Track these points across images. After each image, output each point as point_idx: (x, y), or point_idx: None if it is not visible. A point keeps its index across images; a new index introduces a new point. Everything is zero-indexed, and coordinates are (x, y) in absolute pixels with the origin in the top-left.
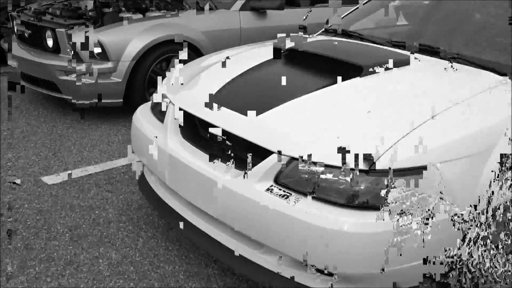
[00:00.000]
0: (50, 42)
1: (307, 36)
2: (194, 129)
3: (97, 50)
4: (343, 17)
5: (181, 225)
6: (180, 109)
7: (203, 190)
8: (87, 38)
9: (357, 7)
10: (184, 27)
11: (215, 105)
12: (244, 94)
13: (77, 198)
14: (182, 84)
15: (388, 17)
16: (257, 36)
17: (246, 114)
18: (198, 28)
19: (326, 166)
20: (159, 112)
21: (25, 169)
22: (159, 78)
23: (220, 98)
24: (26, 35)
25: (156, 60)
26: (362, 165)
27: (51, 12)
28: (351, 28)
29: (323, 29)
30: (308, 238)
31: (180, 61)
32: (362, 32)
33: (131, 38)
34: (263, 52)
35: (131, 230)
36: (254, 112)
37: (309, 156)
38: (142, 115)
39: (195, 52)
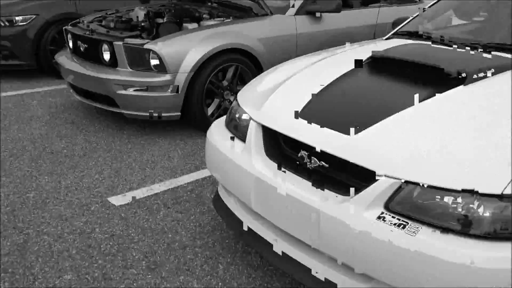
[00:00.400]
0: (106, 56)
1: (380, 39)
2: (280, 148)
3: (155, 62)
4: (412, 19)
5: (276, 249)
6: (264, 126)
7: (298, 217)
8: (144, 50)
9: (428, 7)
10: (240, 35)
11: (305, 122)
12: (335, 110)
13: (147, 220)
14: (261, 98)
15: (445, 18)
16: (313, 41)
17: (343, 132)
18: (254, 35)
19: (448, 190)
20: (234, 128)
21: (90, 190)
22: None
23: (309, 114)
24: (81, 49)
25: (214, 70)
26: (491, 189)
27: (104, 24)
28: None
29: (393, 32)
30: (432, 273)
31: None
32: (436, 34)
33: (188, 48)
34: (342, 61)
35: (208, 255)
36: (353, 129)
37: (426, 179)
38: (218, 132)
39: (252, 60)
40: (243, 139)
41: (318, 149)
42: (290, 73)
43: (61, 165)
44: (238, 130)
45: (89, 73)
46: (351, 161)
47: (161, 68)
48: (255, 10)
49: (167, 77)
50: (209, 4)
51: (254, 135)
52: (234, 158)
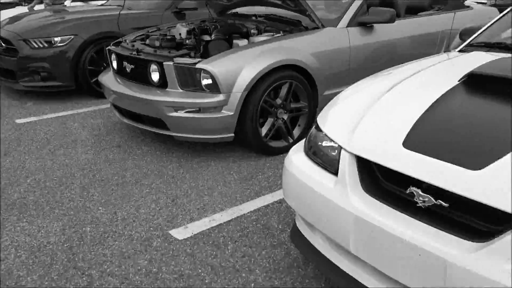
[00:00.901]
0: (155, 76)
1: (457, 52)
2: (380, 183)
3: (207, 82)
4: (488, 27)
5: None
6: (360, 158)
7: (415, 265)
8: (196, 70)
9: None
10: (294, 50)
11: (414, 154)
12: (448, 138)
13: (216, 257)
14: (349, 124)
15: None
16: (367, 53)
17: (466, 166)
18: (308, 50)
19: None
20: (317, 156)
21: (149, 221)
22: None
23: (416, 144)
24: (127, 69)
25: (268, 88)
26: None
27: (149, 43)
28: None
29: (467, 43)
30: None
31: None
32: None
33: (242, 67)
34: (432, 79)
35: None
36: (479, 162)
37: None
38: (299, 160)
39: (305, 76)
40: (329, 169)
41: (440, 187)
42: (377, 93)
43: (114, 194)
44: (322, 160)
45: (137, 95)
46: (481, 201)
47: (214, 88)
48: (305, 23)
49: (221, 97)
50: (254, 18)
51: (348, 167)
52: (325, 193)
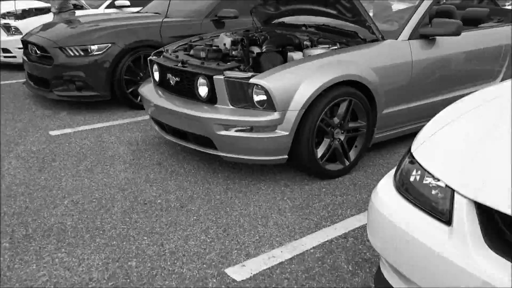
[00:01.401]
0: (203, 91)
1: None
2: (505, 237)
3: (260, 98)
4: None
5: None
6: (482, 206)
7: None
8: (249, 85)
9: None
10: (353, 64)
11: None
12: None
13: None
14: (460, 161)
15: None
16: (429, 68)
17: None
18: (367, 64)
19: None
20: (415, 197)
21: (201, 257)
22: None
23: None
24: (171, 82)
25: (326, 106)
26: None
27: (194, 54)
28: None
29: None
30: None
31: None
32: None
33: (299, 82)
34: None
35: None
36: None
37: None
38: (391, 200)
39: (363, 92)
40: (433, 214)
41: None
42: (489, 122)
43: (159, 221)
44: (423, 202)
45: (182, 110)
46: None
47: (268, 105)
48: (362, 35)
49: (276, 115)
50: (304, 29)
51: (466, 216)
52: (433, 245)
